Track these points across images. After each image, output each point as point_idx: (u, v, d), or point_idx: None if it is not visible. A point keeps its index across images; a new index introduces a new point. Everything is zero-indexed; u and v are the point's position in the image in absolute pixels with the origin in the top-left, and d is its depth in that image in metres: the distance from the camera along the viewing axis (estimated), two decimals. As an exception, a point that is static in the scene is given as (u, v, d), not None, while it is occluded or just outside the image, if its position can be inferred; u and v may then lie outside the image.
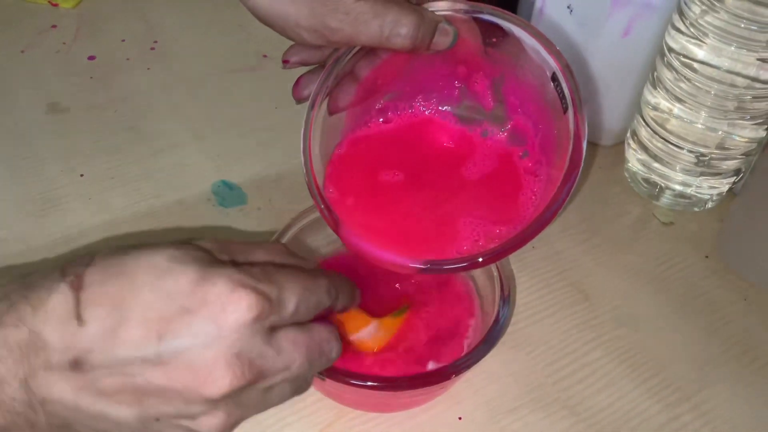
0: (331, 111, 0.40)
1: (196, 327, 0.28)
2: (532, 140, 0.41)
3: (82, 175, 0.57)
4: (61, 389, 0.28)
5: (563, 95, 0.37)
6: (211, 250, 0.32)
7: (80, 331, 0.28)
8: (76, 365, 0.28)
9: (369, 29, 0.36)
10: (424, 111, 0.44)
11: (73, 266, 0.30)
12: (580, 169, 0.36)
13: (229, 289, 0.29)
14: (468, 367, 0.39)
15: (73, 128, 0.61)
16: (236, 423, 0.31)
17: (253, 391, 0.30)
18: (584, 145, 0.36)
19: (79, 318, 0.28)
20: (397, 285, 0.46)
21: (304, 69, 0.42)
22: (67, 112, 0.63)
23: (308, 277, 0.32)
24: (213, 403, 0.29)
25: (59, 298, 0.29)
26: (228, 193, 0.56)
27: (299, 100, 0.41)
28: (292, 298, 0.31)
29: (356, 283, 0.37)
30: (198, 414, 0.29)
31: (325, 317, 0.34)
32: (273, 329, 0.31)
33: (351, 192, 0.40)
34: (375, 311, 0.41)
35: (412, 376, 0.39)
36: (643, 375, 0.47)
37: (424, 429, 0.43)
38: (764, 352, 0.48)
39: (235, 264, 0.31)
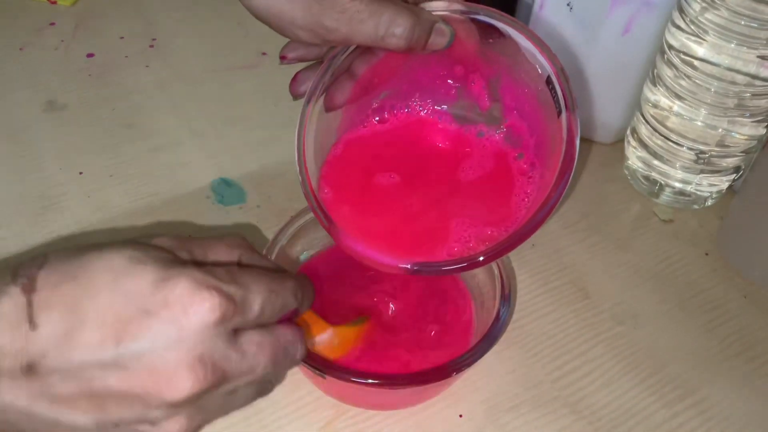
0: (328, 108, 0.40)
1: (156, 329, 0.27)
2: (527, 141, 0.41)
3: (80, 173, 0.57)
4: (14, 395, 0.27)
5: (557, 98, 0.37)
6: (172, 249, 0.31)
7: (33, 336, 0.27)
8: (29, 370, 0.27)
9: (364, 29, 0.36)
10: (421, 111, 0.44)
11: (24, 268, 0.29)
12: (573, 171, 0.36)
13: (191, 290, 0.28)
14: (469, 365, 0.39)
15: (71, 126, 0.61)
16: (198, 428, 0.30)
17: (216, 394, 0.30)
18: (577, 147, 0.36)
19: (31, 322, 0.27)
20: (374, 295, 0.45)
21: (302, 65, 0.42)
22: (66, 109, 0.63)
23: (274, 278, 0.32)
24: (174, 407, 0.28)
25: (10, 302, 0.27)
26: (227, 191, 0.56)
27: (296, 96, 0.41)
28: (257, 299, 0.30)
29: (337, 289, 0.36)
30: (159, 419, 0.28)
31: (289, 319, 0.34)
32: (237, 331, 0.30)
33: (345, 192, 0.40)
34: (389, 327, 0.41)
35: (413, 374, 0.39)
36: (643, 373, 0.47)
37: (424, 427, 0.43)
38: (764, 350, 0.48)
39: (197, 264, 0.30)
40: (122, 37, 0.71)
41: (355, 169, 0.42)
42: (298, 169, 0.38)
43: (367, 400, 0.43)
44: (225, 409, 0.31)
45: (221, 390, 0.30)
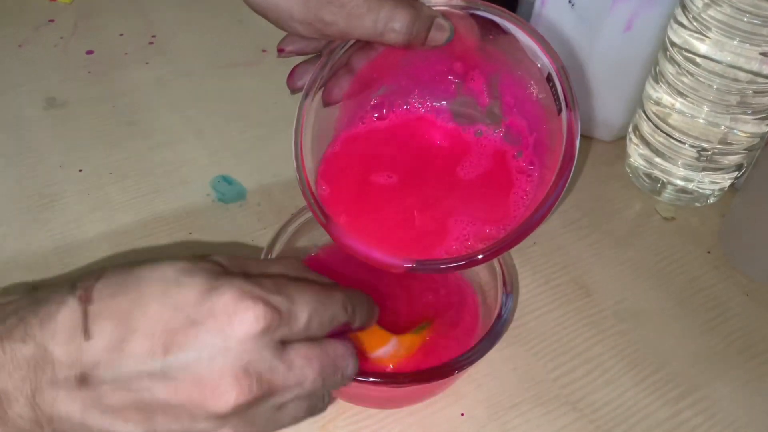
0: (326, 103, 0.40)
1: (202, 339, 0.28)
2: (527, 140, 0.41)
3: (80, 171, 0.57)
4: (68, 406, 0.27)
5: (557, 96, 0.37)
6: (224, 264, 0.31)
7: (86, 346, 0.27)
8: (83, 381, 0.27)
9: (363, 24, 0.36)
10: (420, 108, 0.44)
11: (83, 280, 0.29)
12: (572, 169, 0.36)
13: (236, 300, 0.28)
14: (471, 363, 0.39)
15: (71, 123, 0.61)
16: None
17: (264, 407, 0.29)
18: (577, 146, 0.36)
19: (86, 332, 0.28)
20: (411, 299, 0.45)
21: (300, 59, 0.42)
22: (66, 107, 0.62)
23: (322, 290, 0.31)
24: (220, 419, 0.28)
25: (67, 312, 0.28)
26: (227, 189, 0.56)
27: (294, 90, 0.41)
28: (305, 310, 0.30)
29: (373, 298, 0.36)
30: (205, 430, 0.28)
31: (343, 334, 0.33)
32: (284, 343, 0.29)
33: (343, 189, 0.40)
34: (390, 325, 0.41)
35: (414, 372, 0.39)
36: (645, 371, 0.46)
37: (425, 425, 0.43)
38: (765, 348, 0.48)
39: (246, 276, 0.30)
40: (122, 34, 0.70)
41: (353, 166, 0.41)
42: (295, 165, 0.37)
43: (368, 399, 0.43)
44: (274, 425, 0.31)
45: (269, 403, 0.29)
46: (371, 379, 0.37)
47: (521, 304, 0.50)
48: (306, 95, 0.38)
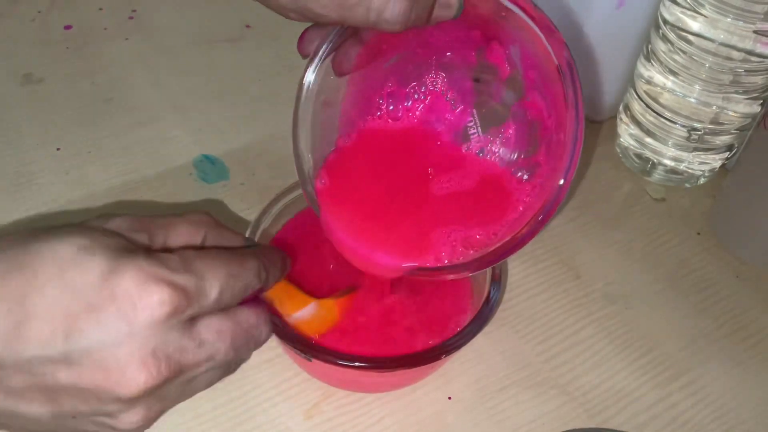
0: (337, 73, 0.38)
1: (105, 325, 0.26)
2: (546, 123, 0.39)
3: (58, 149, 0.55)
4: None
5: (566, 93, 0.36)
6: (126, 233, 0.29)
7: None
8: None
9: (354, 15, 0.33)
10: (436, 88, 0.41)
11: None
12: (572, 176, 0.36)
13: (139, 284, 0.27)
14: (458, 347, 0.38)
15: (48, 100, 0.59)
16: (157, 416, 0.29)
17: (175, 384, 0.29)
18: (581, 147, 0.36)
19: None
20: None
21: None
22: (43, 83, 0.61)
23: (234, 260, 0.30)
24: (130, 402, 0.27)
25: None
26: (210, 168, 0.55)
27: (305, 56, 0.38)
28: (215, 285, 0.29)
29: (315, 258, 0.36)
30: (115, 412, 0.28)
31: (255, 297, 0.32)
32: (193, 320, 0.29)
33: (342, 184, 0.39)
34: (325, 292, 0.40)
35: (401, 357, 0.38)
36: (634, 353, 0.46)
37: (412, 409, 0.42)
38: (756, 330, 0.48)
39: (149, 251, 0.29)
40: (101, 9, 0.68)
41: (359, 165, 0.40)
42: (291, 133, 0.36)
43: (354, 383, 0.42)
44: (186, 395, 0.30)
45: (179, 380, 0.29)
46: (357, 364, 0.37)
47: (509, 287, 0.49)
48: (309, 64, 0.36)
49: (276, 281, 0.34)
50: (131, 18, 0.68)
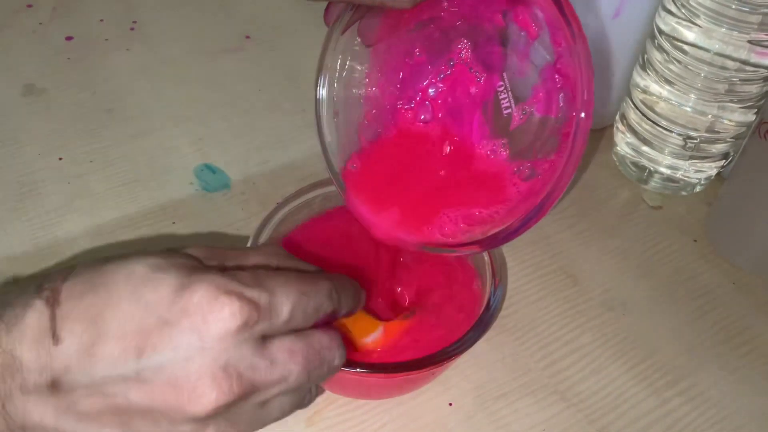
0: (363, 41, 0.37)
1: (176, 339, 0.26)
2: (574, 93, 0.38)
3: (60, 159, 0.56)
4: (41, 413, 0.26)
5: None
6: (200, 257, 0.29)
7: (56, 350, 0.26)
8: (54, 387, 0.26)
9: None
10: (463, 55, 0.40)
11: (49, 280, 0.28)
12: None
13: (210, 297, 0.27)
14: (459, 353, 0.38)
15: (50, 110, 0.60)
16: None
17: (247, 405, 0.28)
18: (585, 142, 0.35)
19: (54, 336, 0.26)
20: (398, 286, 0.45)
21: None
22: (44, 93, 0.61)
23: (306, 280, 0.30)
24: (201, 421, 0.27)
25: (34, 316, 0.27)
26: (211, 177, 0.55)
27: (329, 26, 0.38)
28: (286, 303, 0.29)
29: (358, 283, 0.35)
30: None
31: (329, 323, 0.32)
32: (265, 338, 0.28)
33: (369, 172, 0.39)
34: (376, 311, 0.41)
35: (402, 363, 0.38)
36: (632, 360, 0.46)
37: (413, 415, 0.43)
38: (752, 337, 0.48)
39: (222, 269, 0.29)
40: (102, 20, 0.69)
41: (384, 155, 0.40)
42: (315, 100, 0.36)
43: (355, 390, 0.43)
44: (259, 422, 0.30)
45: (252, 401, 0.28)
46: (359, 370, 0.37)
47: (509, 294, 0.49)
48: (331, 34, 0.35)
49: (349, 310, 0.34)
50: (132, 29, 0.68)
